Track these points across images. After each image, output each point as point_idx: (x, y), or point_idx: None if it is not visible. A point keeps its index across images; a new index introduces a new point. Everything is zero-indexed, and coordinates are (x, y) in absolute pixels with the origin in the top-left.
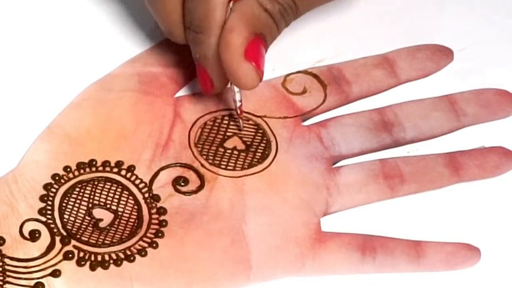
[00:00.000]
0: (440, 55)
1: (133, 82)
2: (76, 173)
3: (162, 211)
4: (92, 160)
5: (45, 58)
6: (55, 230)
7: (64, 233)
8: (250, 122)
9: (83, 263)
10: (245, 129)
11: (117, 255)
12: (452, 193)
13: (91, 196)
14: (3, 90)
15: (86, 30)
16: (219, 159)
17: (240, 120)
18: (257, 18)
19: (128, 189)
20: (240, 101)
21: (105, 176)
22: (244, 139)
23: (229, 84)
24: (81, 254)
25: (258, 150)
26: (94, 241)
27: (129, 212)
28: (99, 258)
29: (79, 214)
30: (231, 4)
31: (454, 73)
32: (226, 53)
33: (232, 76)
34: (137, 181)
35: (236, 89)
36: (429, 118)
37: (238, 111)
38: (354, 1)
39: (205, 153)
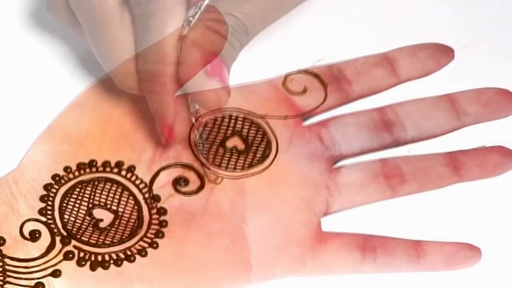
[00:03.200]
0: (441, 54)
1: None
2: (76, 173)
3: (162, 211)
4: (92, 161)
5: (45, 58)
6: (55, 230)
7: (64, 233)
8: (251, 122)
9: (83, 263)
10: (246, 129)
11: (117, 255)
12: (452, 193)
13: (91, 196)
14: (3, 90)
15: None
16: (219, 159)
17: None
18: (208, 40)
19: (128, 189)
20: (198, 110)
21: (105, 177)
22: (245, 138)
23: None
24: (82, 254)
25: (259, 150)
26: (94, 241)
27: (129, 212)
28: (100, 258)
29: (79, 214)
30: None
31: (454, 72)
32: (188, 77)
33: (199, 96)
34: (137, 181)
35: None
36: (430, 117)
37: (194, 121)
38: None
39: (206, 153)
